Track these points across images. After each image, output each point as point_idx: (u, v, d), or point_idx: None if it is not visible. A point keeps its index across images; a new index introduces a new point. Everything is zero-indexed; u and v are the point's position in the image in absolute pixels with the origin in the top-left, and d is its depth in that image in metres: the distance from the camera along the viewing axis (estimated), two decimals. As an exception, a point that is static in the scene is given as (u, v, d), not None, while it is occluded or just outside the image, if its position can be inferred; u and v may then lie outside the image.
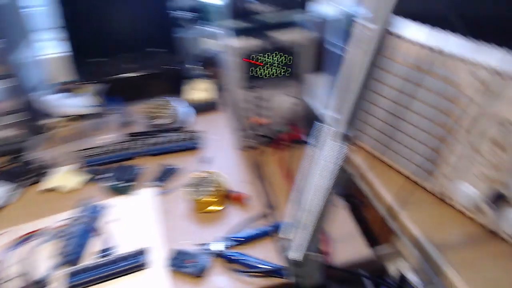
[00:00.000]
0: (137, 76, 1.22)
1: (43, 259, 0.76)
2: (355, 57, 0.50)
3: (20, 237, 0.74)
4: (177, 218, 0.84)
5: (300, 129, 0.98)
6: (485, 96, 0.62)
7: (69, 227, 0.79)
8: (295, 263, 0.57)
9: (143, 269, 0.73)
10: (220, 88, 1.24)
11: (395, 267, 0.77)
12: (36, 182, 0.98)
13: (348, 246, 0.74)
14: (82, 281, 0.71)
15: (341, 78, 0.52)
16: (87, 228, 0.80)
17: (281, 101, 0.94)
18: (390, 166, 0.86)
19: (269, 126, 0.97)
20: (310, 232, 0.56)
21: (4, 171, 1.02)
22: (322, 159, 0.54)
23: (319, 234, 0.58)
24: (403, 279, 0.74)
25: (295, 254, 0.56)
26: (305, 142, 0.96)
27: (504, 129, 0.60)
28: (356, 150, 0.92)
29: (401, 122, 0.79)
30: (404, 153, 0.81)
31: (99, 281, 0.72)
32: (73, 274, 0.72)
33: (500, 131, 0.61)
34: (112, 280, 0.72)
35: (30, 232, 0.76)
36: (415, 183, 0.79)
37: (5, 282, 0.67)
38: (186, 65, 1.26)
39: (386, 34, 0.49)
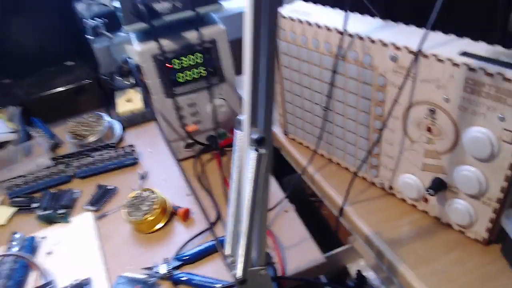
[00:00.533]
0: (58, 93, 1.14)
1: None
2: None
3: None
4: (119, 242, 0.79)
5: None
6: (408, 79, 0.62)
7: (2, 265, 0.72)
8: (240, 281, 0.55)
9: (84, 304, 0.68)
10: (147, 97, 1.18)
11: (355, 267, 0.77)
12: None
13: (301, 252, 0.73)
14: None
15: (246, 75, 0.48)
16: (22, 264, 0.73)
17: (210, 105, 0.90)
18: (331, 160, 0.86)
19: (204, 132, 0.93)
20: (249, 245, 0.54)
21: None
22: (244, 167, 0.51)
23: (263, 245, 0.57)
24: (362, 279, 0.74)
25: (238, 271, 0.54)
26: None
27: (433, 113, 0.61)
28: (293, 146, 0.92)
29: (329, 113, 0.79)
30: (340, 146, 0.81)
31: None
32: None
33: (430, 116, 0.62)
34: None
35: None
36: (358, 176, 0.80)
37: None
38: (108, 76, 1.18)
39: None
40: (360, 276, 0.74)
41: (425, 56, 0.58)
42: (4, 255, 0.74)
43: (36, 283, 0.72)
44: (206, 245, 0.74)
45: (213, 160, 0.95)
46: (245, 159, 0.52)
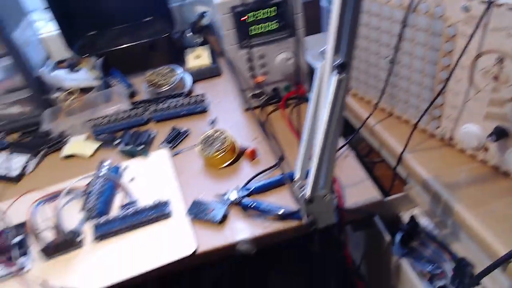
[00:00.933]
0: (135, 46, 1.24)
1: (72, 214, 0.80)
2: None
3: (48, 195, 0.78)
4: (192, 175, 0.89)
5: (302, 85, 1.02)
6: (478, 29, 0.64)
7: (93, 186, 0.83)
8: (308, 202, 0.62)
9: (165, 218, 0.78)
10: (219, 53, 1.27)
11: (407, 215, 0.81)
12: (52, 152, 1.03)
13: (359, 191, 0.79)
14: (109, 231, 0.76)
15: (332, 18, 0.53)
16: (109, 186, 0.85)
17: (279, 57, 0.96)
18: (391, 113, 0.91)
19: (270, 84, 1.00)
20: (320, 170, 0.60)
21: (18, 144, 1.06)
22: (324, 96, 0.57)
23: (330, 173, 0.63)
24: (415, 223, 0.78)
25: (308, 192, 0.61)
26: (307, 99, 1.00)
27: (500, 61, 0.64)
28: (354, 101, 0.97)
29: (395, 66, 0.83)
30: (402, 99, 0.85)
31: (125, 231, 0.76)
32: (101, 226, 0.77)
33: (497, 65, 0.65)
34: (137, 229, 0.77)
35: (56, 191, 0.80)
36: (418, 128, 0.84)
37: (38, 234, 0.71)
38: (180, 34, 1.28)
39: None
40: (413, 221, 0.79)
41: (498, 5, 0.61)
42: (96, 176, 0.86)
43: (122, 202, 0.82)
44: (272, 179, 0.82)
45: (277, 110, 1.02)
46: (324, 86, 0.58)
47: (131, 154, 0.97)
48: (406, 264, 0.76)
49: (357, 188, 0.79)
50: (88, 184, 0.85)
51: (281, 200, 0.78)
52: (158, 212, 0.78)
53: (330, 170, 0.63)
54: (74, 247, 0.75)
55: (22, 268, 0.73)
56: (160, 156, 0.95)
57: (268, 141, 0.93)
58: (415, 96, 0.82)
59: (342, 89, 0.54)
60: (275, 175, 0.84)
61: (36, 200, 0.82)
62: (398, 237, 0.80)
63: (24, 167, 0.98)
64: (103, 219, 0.77)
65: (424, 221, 0.79)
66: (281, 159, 0.87)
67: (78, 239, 0.75)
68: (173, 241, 0.74)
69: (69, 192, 0.82)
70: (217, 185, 0.85)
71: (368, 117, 0.90)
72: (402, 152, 0.81)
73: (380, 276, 0.88)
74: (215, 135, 0.91)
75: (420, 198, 0.80)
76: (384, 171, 0.88)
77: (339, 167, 0.84)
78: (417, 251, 0.78)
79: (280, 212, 0.75)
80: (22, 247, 0.76)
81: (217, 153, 0.87)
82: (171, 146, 0.97)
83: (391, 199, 0.83)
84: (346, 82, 0.54)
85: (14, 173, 0.97)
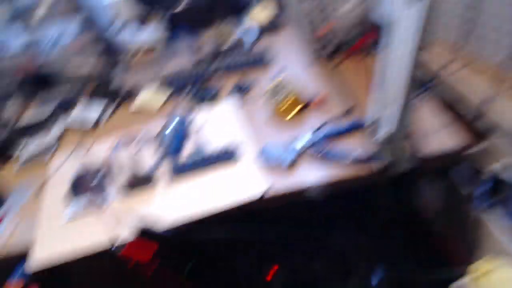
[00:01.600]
0: (200, 2, 1.24)
1: (147, 156, 0.84)
2: None
3: (125, 138, 0.81)
4: (260, 124, 0.88)
5: (371, 33, 0.96)
6: None
7: (165, 133, 0.86)
8: (383, 145, 0.59)
9: (234, 162, 0.79)
10: (283, 6, 1.23)
11: (490, 168, 0.76)
12: (124, 104, 1.07)
13: (438, 139, 0.74)
14: (182, 172, 0.78)
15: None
16: (180, 133, 0.87)
17: (346, 6, 0.92)
18: (474, 58, 0.83)
19: (338, 34, 0.96)
20: (398, 113, 0.57)
21: (93, 97, 1.11)
22: (401, 32, 0.53)
23: (407, 116, 0.59)
24: (499, 177, 0.73)
25: (383, 135, 0.57)
26: (376, 48, 0.94)
27: None
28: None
29: (481, 11, 0.75)
30: (487, 44, 0.78)
31: (197, 172, 0.78)
32: (174, 167, 0.79)
33: None
34: (208, 172, 0.78)
35: (132, 135, 0.83)
36: (501, 74, 0.76)
37: (117, 173, 0.75)
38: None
39: None
40: (496, 174, 0.73)
41: None
42: (168, 125, 0.88)
43: (193, 147, 0.84)
44: (342, 126, 0.79)
45: (345, 60, 0.98)
46: (398, 22, 0.54)
47: (199, 105, 0.98)
48: (488, 219, 0.71)
49: (436, 136, 0.74)
50: (161, 132, 0.87)
51: (353, 146, 0.76)
52: (227, 156, 0.79)
53: (407, 113, 0.60)
54: (150, 183, 0.78)
55: (102, 203, 0.77)
56: (227, 106, 0.95)
57: (336, 90, 0.90)
58: (498, 38, 0.74)
59: (420, 19, 0.50)
60: (346, 120, 0.81)
61: (114, 143, 0.86)
62: (480, 190, 0.74)
63: (99, 117, 1.04)
64: (176, 161, 0.80)
65: (507, 176, 0.73)
66: (351, 107, 0.83)
67: (154, 176, 0.79)
68: (242, 184, 0.75)
69: (144, 137, 0.85)
70: (285, 133, 0.84)
71: (449, 62, 0.84)
72: (486, 101, 0.74)
73: (458, 231, 0.83)
74: (281, 85, 0.89)
75: (505, 150, 0.74)
76: (465, 121, 0.82)
77: (417, 114, 0.79)
78: (502, 206, 0.73)
79: (353, 157, 0.72)
80: (103, 184, 0.80)
81: (284, 102, 0.86)
82: (238, 97, 0.97)
83: (473, 150, 0.77)
84: (424, 11, 0.50)
85: (91, 122, 1.02)
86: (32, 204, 0.86)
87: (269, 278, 0.90)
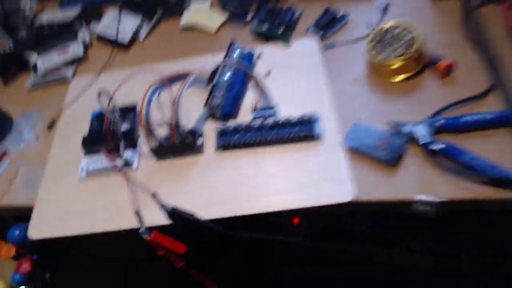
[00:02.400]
0: None
1: (192, 107, 0.62)
2: None
3: (164, 78, 0.59)
4: (352, 84, 0.63)
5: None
6: None
7: (220, 76, 0.62)
8: None
9: (312, 141, 0.56)
10: None
11: None
12: (169, 18, 0.82)
13: None
14: (236, 142, 0.56)
15: None
16: (240, 78, 0.63)
17: None
18: None
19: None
20: None
21: (130, 3, 0.85)
22: None
23: None
24: None
25: None
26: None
27: None
28: None
29: None
30: None
31: (256, 146, 0.56)
32: (227, 133, 0.57)
33: None
34: (273, 148, 0.56)
35: (175, 75, 0.61)
36: None
37: (151, 128, 0.54)
38: None
39: None
40: None
41: None
42: (225, 62, 0.64)
43: (255, 103, 0.61)
44: (478, 114, 0.53)
45: (492, 3, 0.67)
46: None
47: (268, 37, 0.72)
48: None
49: None
50: (214, 71, 0.64)
51: (491, 152, 0.51)
52: (302, 130, 0.56)
53: None
54: (190, 152, 0.58)
55: (127, 165, 0.58)
56: (306, 46, 0.69)
57: (474, 50, 0.61)
58: None
59: None
60: (483, 108, 0.55)
61: (151, 86, 0.64)
62: None
63: (136, 32, 0.80)
64: (230, 124, 0.58)
65: None
66: (495, 83, 0.56)
67: (198, 143, 0.57)
68: (320, 176, 0.53)
69: (189, 77, 0.62)
70: (389, 106, 0.59)
71: None
72: None
73: None
74: (395, 31, 0.62)
75: None
76: None
77: None
78: None
79: (493, 175, 0.48)
80: (131, 138, 0.60)
81: (398, 59, 0.59)
82: (322, 35, 0.70)
83: None
84: None
85: (124, 37, 0.79)
86: (41, 142, 0.68)
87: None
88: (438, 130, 0.54)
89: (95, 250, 0.84)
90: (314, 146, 0.56)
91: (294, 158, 0.55)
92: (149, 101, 0.54)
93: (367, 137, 0.54)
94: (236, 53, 0.65)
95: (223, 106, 0.59)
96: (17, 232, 0.59)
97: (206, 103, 0.60)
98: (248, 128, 0.56)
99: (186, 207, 0.52)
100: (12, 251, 0.59)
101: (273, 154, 0.56)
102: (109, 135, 0.57)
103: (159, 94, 0.56)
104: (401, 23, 0.62)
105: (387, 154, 0.52)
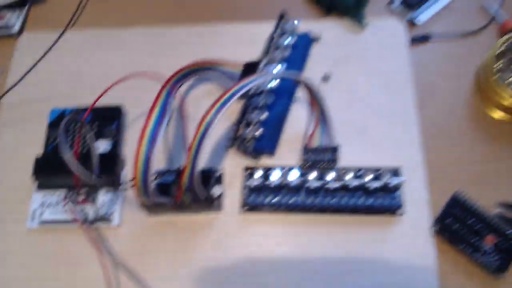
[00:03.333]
0: None
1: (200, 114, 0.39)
2: None
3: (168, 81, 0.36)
4: (451, 113, 0.42)
5: None
6: None
7: (260, 76, 0.39)
8: None
9: (390, 214, 0.37)
10: None
11: None
12: None
13: None
14: (275, 204, 0.36)
15: None
16: (289, 87, 0.40)
17: None
18: None
19: None
20: None
21: None
22: None
23: None
24: None
25: None
26: None
27: None
28: None
29: None
30: None
31: (304, 212, 0.37)
32: (262, 188, 0.37)
33: None
34: (326, 215, 0.37)
35: (193, 65, 0.37)
36: None
37: (152, 181, 0.33)
38: None
39: None
40: None
41: None
42: (266, 57, 0.40)
43: (309, 139, 0.39)
44: None
45: None
46: None
47: (330, 8, 0.48)
48: None
49: None
50: (253, 65, 0.40)
51: None
52: (381, 199, 0.36)
53: None
54: (203, 208, 0.37)
55: (103, 219, 0.37)
56: (388, 33, 0.45)
57: None
58: None
59: None
60: None
61: (159, 99, 0.40)
62: None
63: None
64: (271, 180, 0.36)
65: None
66: None
67: (214, 193, 0.37)
68: (394, 273, 0.35)
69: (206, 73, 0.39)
70: (494, 163, 0.39)
71: None
72: None
73: None
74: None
75: None
76: None
77: None
78: None
79: None
80: (111, 170, 0.38)
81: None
82: (411, 18, 0.46)
83: None
84: None
85: None
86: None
87: None
88: None
89: None
90: (390, 223, 0.37)
91: (357, 238, 0.36)
92: (153, 134, 0.31)
93: (468, 224, 0.35)
94: (287, 40, 0.41)
95: (260, 137, 0.37)
96: None
97: (236, 132, 0.38)
98: (297, 189, 0.36)
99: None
100: None
101: (325, 225, 0.37)
102: (76, 165, 0.35)
103: (170, 118, 0.33)
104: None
105: (496, 259, 0.34)
